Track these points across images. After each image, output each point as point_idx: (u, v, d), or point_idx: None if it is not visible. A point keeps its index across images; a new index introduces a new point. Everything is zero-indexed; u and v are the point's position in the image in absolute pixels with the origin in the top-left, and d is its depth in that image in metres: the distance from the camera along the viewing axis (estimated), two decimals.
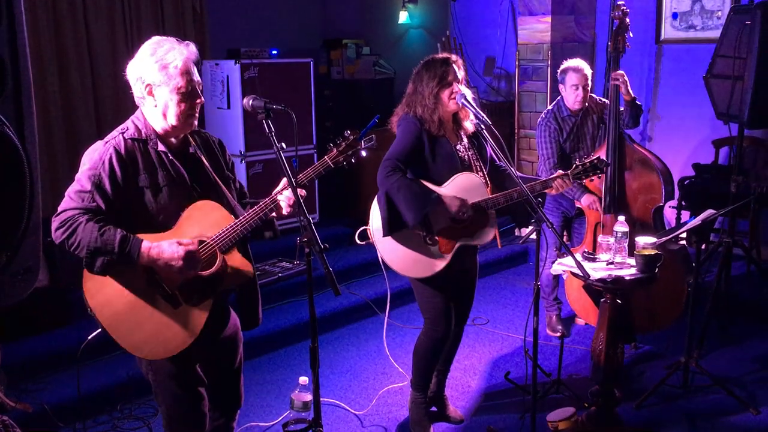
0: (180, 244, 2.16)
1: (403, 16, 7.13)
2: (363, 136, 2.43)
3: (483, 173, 3.11)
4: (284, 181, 2.32)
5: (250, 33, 6.71)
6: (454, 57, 3.05)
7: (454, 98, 2.97)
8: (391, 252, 3.05)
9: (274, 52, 5.75)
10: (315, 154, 5.77)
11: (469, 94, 2.99)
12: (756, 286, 4.58)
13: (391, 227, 2.99)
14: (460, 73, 3.03)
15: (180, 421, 2.40)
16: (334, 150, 2.40)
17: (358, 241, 3.16)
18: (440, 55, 3.07)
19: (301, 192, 2.31)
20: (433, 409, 3.46)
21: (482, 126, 2.95)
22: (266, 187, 2.44)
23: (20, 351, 3.74)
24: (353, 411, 3.59)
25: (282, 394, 3.69)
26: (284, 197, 2.30)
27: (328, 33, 7.54)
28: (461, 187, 2.99)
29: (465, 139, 3.13)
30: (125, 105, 5.68)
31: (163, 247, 2.15)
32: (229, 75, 5.35)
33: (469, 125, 3.12)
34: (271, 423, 3.42)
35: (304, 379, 3.05)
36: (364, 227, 3.14)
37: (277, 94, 5.23)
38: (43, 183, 1.54)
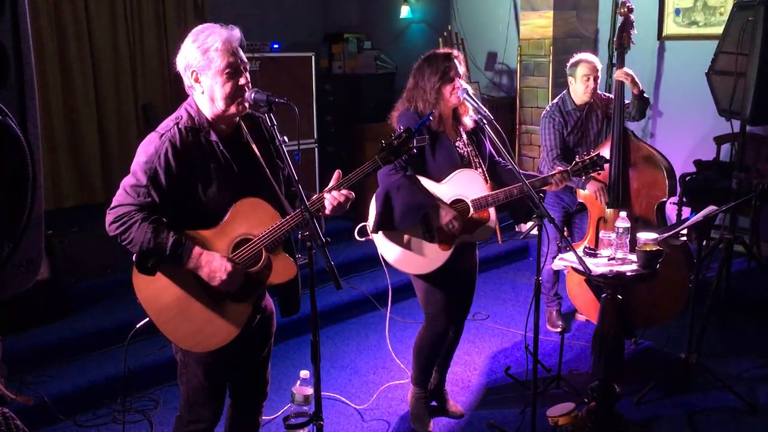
0: (230, 261, 2.19)
1: (404, 11, 7.12)
2: (415, 133, 2.34)
3: (482, 169, 3.10)
4: (335, 176, 2.30)
5: (252, 26, 6.68)
6: (455, 52, 3.02)
7: (456, 93, 2.96)
8: (390, 248, 3.04)
9: (276, 45, 5.74)
10: (316, 148, 5.76)
11: (470, 89, 2.98)
12: (757, 282, 4.59)
13: (381, 226, 2.99)
14: (462, 69, 3.01)
15: (198, 406, 2.41)
16: (386, 148, 2.34)
17: (358, 238, 3.14)
18: (441, 50, 3.05)
19: (349, 193, 2.27)
20: (434, 403, 3.47)
21: (484, 121, 2.94)
22: None
23: (20, 343, 3.74)
24: (354, 405, 3.59)
25: (282, 387, 3.69)
26: (329, 196, 2.26)
27: (330, 27, 7.53)
28: (461, 183, 2.98)
29: (464, 136, 3.12)
30: (124, 95, 5.71)
31: (214, 257, 2.18)
32: None
33: (468, 121, 3.10)
34: (272, 416, 3.41)
35: (305, 373, 3.05)
36: (363, 224, 3.12)
37: (278, 87, 5.21)
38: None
